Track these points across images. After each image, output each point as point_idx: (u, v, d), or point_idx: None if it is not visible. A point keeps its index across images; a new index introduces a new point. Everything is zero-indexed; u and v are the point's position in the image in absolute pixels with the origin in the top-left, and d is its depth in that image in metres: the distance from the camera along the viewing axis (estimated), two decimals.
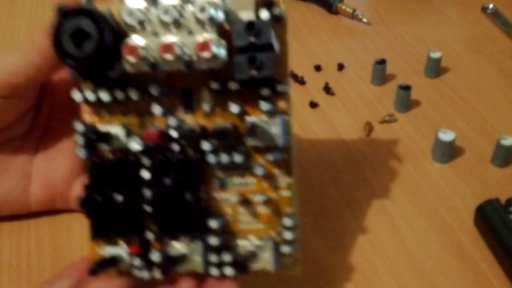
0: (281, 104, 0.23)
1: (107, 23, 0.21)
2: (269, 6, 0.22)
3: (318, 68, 0.42)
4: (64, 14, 0.21)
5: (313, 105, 0.38)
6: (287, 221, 0.23)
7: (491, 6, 0.48)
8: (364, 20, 0.47)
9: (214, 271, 0.23)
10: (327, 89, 0.40)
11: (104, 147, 0.23)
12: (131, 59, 0.21)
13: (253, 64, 0.21)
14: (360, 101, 0.39)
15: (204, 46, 0.21)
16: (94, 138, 0.23)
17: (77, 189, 0.29)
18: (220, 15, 0.21)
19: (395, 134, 0.36)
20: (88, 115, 0.24)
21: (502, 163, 0.33)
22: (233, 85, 0.22)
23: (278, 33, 0.22)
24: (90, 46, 0.21)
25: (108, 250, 0.23)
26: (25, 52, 0.25)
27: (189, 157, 0.22)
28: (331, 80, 0.40)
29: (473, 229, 0.29)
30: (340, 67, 0.42)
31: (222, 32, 0.21)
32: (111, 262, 0.23)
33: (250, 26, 0.21)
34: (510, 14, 0.47)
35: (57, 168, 0.29)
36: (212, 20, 0.21)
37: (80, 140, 0.23)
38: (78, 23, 0.21)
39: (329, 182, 0.32)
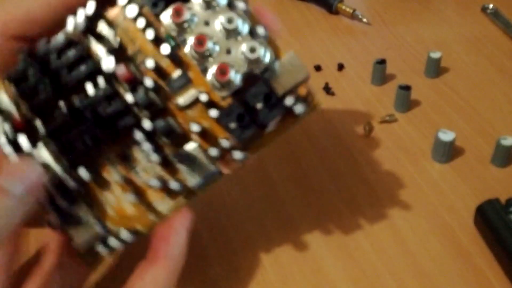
0: (223, 166, 0.22)
1: None
2: (297, 98, 0.22)
3: (318, 68, 0.42)
4: None
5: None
6: (126, 234, 0.23)
7: (491, 6, 0.48)
8: (364, 20, 0.47)
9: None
10: (327, 89, 0.40)
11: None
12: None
13: (239, 122, 0.21)
14: (360, 101, 0.39)
15: (223, 70, 0.21)
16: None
17: None
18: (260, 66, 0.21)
19: (395, 134, 0.36)
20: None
21: (502, 163, 0.33)
22: (213, 112, 0.22)
23: (284, 124, 0.22)
24: None
25: None
26: None
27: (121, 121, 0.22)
28: (331, 80, 0.40)
29: (473, 229, 0.29)
30: (340, 67, 0.42)
31: (246, 77, 0.22)
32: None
33: (267, 98, 0.21)
34: (510, 14, 0.47)
35: None
36: (250, 60, 0.21)
37: None
38: None
39: (329, 182, 0.32)
